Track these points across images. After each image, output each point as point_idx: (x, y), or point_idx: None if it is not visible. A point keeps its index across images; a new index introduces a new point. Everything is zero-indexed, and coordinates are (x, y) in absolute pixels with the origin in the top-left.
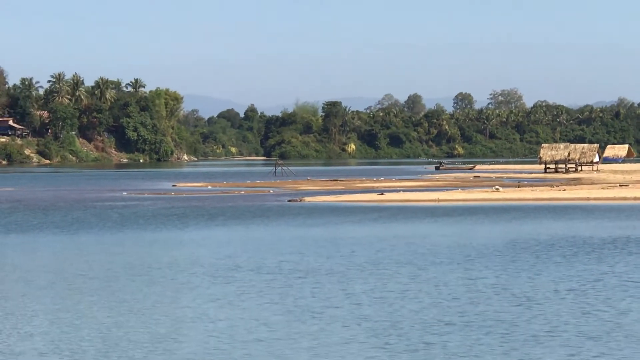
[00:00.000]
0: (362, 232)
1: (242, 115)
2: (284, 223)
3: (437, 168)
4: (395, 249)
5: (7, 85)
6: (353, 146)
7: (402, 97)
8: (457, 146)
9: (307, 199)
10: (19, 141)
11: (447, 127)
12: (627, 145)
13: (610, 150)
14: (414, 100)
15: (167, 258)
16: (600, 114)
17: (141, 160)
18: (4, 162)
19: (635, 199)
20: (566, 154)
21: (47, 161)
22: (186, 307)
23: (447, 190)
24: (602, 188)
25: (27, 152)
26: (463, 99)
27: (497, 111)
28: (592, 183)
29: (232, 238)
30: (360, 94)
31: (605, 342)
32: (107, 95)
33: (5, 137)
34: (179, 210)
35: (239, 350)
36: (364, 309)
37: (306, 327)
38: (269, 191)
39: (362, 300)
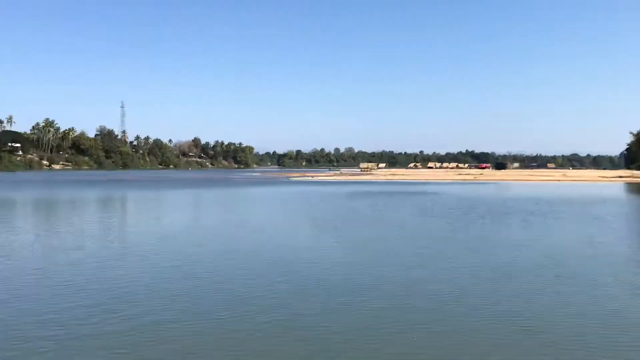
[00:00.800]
0: (307, 188)
1: None
2: (287, 184)
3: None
4: (322, 192)
5: None
6: None
7: None
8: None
9: (292, 177)
10: None
11: None
12: (375, 164)
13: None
14: None
15: (262, 193)
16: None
17: None
18: None
19: (381, 179)
20: (366, 166)
21: None
22: (259, 213)
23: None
24: (377, 175)
25: None
26: None
27: None
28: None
29: (270, 190)
30: None
31: (384, 211)
32: None
33: None
34: (255, 180)
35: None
36: (315, 209)
37: (302, 216)
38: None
39: (314, 205)
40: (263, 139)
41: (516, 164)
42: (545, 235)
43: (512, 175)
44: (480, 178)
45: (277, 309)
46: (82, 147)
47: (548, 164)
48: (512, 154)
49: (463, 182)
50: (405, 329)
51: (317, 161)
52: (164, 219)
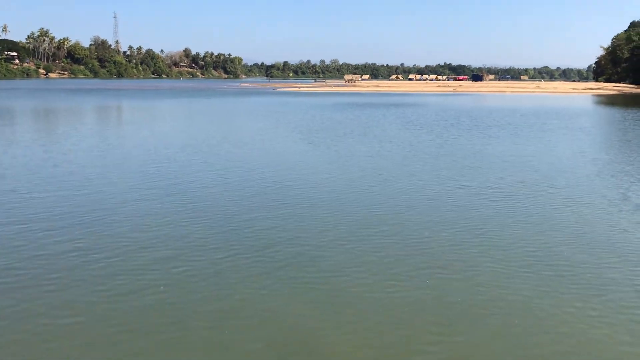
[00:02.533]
0: (294, 99)
1: None
2: (274, 95)
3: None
4: (308, 103)
5: None
6: None
7: None
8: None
9: (279, 88)
10: None
11: None
12: (359, 76)
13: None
14: None
15: (249, 104)
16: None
17: None
18: None
19: (366, 90)
20: (350, 77)
21: None
22: (249, 122)
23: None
24: (361, 87)
25: None
26: None
27: None
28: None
29: (258, 100)
30: None
31: (370, 123)
32: None
33: None
34: (243, 91)
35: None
36: (303, 121)
37: (283, 122)
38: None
39: (297, 111)
40: (251, 50)
41: (491, 76)
42: (544, 148)
43: (489, 87)
44: (460, 90)
45: (264, 229)
46: (77, 56)
47: (521, 76)
48: (487, 66)
49: (444, 94)
50: (402, 246)
51: (303, 73)
52: (155, 131)
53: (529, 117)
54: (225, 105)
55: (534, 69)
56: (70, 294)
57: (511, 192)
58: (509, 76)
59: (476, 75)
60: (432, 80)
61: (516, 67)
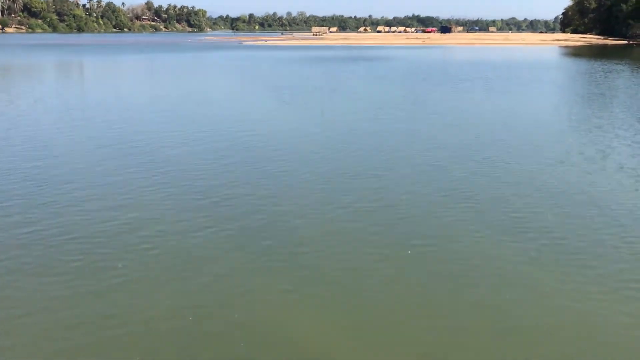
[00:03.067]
0: (261, 53)
1: None
2: (239, 49)
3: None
4: (275, 57)
5: None
6: None
7: None
8: None
9: (245, 42)
10: None
11: None
12: (327, 28)
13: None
14: None
15: (214, 59)
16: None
17: None
18: None
19: (334, 43)
20: (318, 30)
21: None
22: (214, 79)
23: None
24: (330, 40)
25: None
26: None
27: None
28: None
29: (223, 55)
30: None
31: (340, 78)
32: None
33: None
34: (208, 45)
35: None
36: (271, 77)
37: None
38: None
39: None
40: (216, 2)
41: (460, 28)
42: (518, 103)
43: (459, 39)
44: (429, 42)
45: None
46: (34, 10)
47: (489, 28)
48: (455, 18)
49: (413, 47)
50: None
51: (269, 25)
52: (117, 90)
53: (500, 70)
54: (189, 61)
55: (502, 20)
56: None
57: (488, 151)
58: (477, 27)
59: (445, 27)
60: (400, 32)
61: (484, 18)
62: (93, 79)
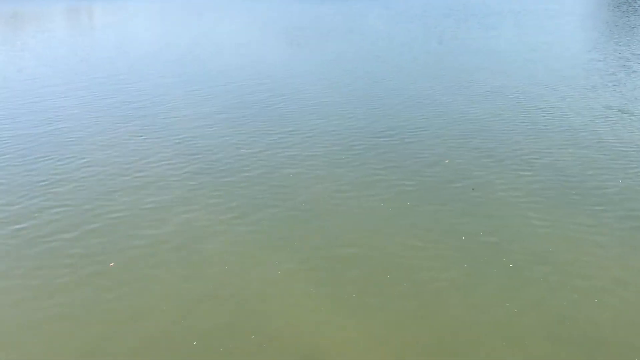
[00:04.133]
0: None
1: None
2: None
3: None
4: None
5: None
6: None
7: None
8: None
9: None
10: None
11: None
12: None
13: None
14: None
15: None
16: None
17: None
18: None
19: None
20: None
21: None
22: (221, 20)
23: None
24: None
25: None
26: None
27: None
28: None
29: None
30: None
31: (358, 16)
32: None
33: None
34: None
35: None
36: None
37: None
38: None
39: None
40: None
41: None
42: (555, 41)
43: None
44: None
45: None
46: None
47: None
48: None
49: None
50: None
51: None
52: (127, 38)
53: (525, 2)
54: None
55: None
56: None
57: (528, 101)
58: None
59: None
60: None
61: None
62: (100, 27)
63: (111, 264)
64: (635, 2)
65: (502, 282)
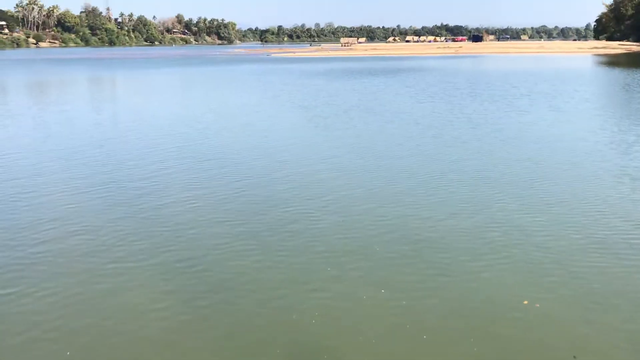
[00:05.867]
0: (290, 66)
1: None
2: (267, 62)
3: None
4: (303, 70)
5: None
6: None
7: None
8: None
9: (273, 54)
10: None
11: None
12: (355, 39)
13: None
14: None
15: (240, 72)
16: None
17: None
18: None
19: (364, 54)
20: (347, 41)
21: None
22: (239, 94)
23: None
24: (359, 50)
25: None
26: None
27: None
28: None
29: (253, 67)
30: None
31: (376, 94)
32: None
33: None
34: (236, 58)
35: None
36: (303, 94)
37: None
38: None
39: (293, 77)
40: (246, 15)
41: (491, 37)
42: (599, 128)
43: (492, 47)
44: (461, 51)
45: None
46: (68, 24)
47: (521, 36)
48: (484, 26)
49: (446, 56)
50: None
51: (298, 37)
52: (144, 106)
53: (554, 83)
54: (215, 75)
55: (532, 28)
56: None
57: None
58: (508, 36)
59: (476, 36)
60: (430, 42)
61: (513, 26)
62: (120, 95)
63: None
64: None
65: None
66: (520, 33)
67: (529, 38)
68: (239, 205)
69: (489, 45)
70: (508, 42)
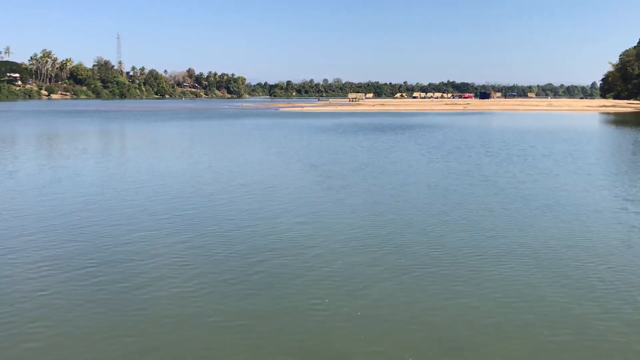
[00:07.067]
0: (298, 121)
1: None
2: (275, 116)
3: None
4: (310, 125)
5: None
6: None
7: None
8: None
9: (281, 108)
10: None
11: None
12: (363, 94)
13: (354, 95)
14: None
15: (246, 126)
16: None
17: None
18: None
19: (371, 109)
20: (354, 96)
21: None
22: (244, 150)
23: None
24: (366, 106)
25: None
26: None
27: None
28: (360, 105)
29: (261, 121)
30: None
31: (386, 152)
32: None
33: None
34: (244, 112)
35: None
36: (310, 151)
37: (288, 135)
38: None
39: (300, 134)
40: (255, 70)
41: (498, 94)
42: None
43: (500, 104)
44: (470, 108)
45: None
46: (80, 77)
47: (528, 94)
48: (490, 84)
49: (455, 112)
50: None
51: (306, 92)
52: (144, 162)
53: (575, 143)
54: (221, 129)
55: (538, 86)
56: None
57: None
58: (515, 93)
59: (483, 93)
60: (437, 98)
61: (519, 84)
62: (119, 149)
63: None
64: None
65: None
66: (526, 90)
67: (536, 95)
68: (234, 280)
69: (497, 102)
70: (515, 99)
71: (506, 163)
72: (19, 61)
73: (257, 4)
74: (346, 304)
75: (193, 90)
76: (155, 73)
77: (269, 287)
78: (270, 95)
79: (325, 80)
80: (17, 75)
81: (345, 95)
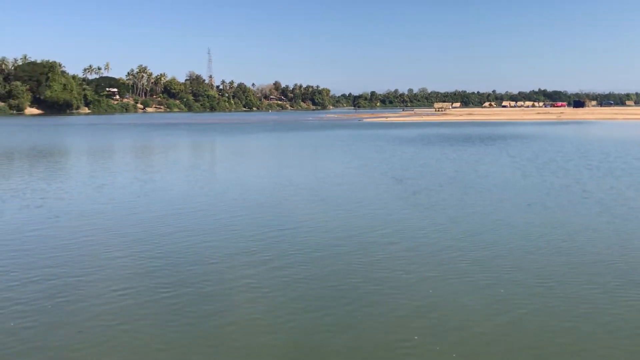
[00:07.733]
0: (382, 132)
1: None
2: (358, 127)
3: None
4: (395, 136)
5: None
6: None
7: None
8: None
9: (365, 119)
10: None
11: None
12: (449, 104)
13: (440, 104)
14: None
15: (330, 138)
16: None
17: None
18: None
19: (459, 119)
20: (440, 106)
21: None
22: (328, 163)
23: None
24: (453, 115)
25: None
26: None
27: None
28: (447, 114)
29: (344, 132)
30: None
31: (475, 164)
32: None
33: None
34: (327, 123)
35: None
36: (380, 151)
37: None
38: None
39: (382, 147)
40: (339, 81)
41: (593, 102)
42: None
43: (596, 113)
44: (564, 117)
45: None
46: (173, 91)
47: (626, 102)
48: (584, 92)
49: (548, 122)
50: None
51: (390, 102)
52: (238, 174)
53: None
54: (304, 141)
55: (637, 93)
56: None
57: None
58: (611, 102)
59: (577, 102)
60: (528, 107)
61: (615, 92)
62: (215, 162)
63: None
64: None
65: None
66: (624, 98)
67: (634, 104)
68: (314, 311)
69: (593, 110)
70: (612, 107)
71: (610, 177)
72: (117, 76)
73: (342, 16)
74: (438, 343)
75: (279, 102)
76: (243, 86)
77: (352, 319)
78: (354, 106)
79: (410, 90)
80: (115, 89)
81: (430, 105)
